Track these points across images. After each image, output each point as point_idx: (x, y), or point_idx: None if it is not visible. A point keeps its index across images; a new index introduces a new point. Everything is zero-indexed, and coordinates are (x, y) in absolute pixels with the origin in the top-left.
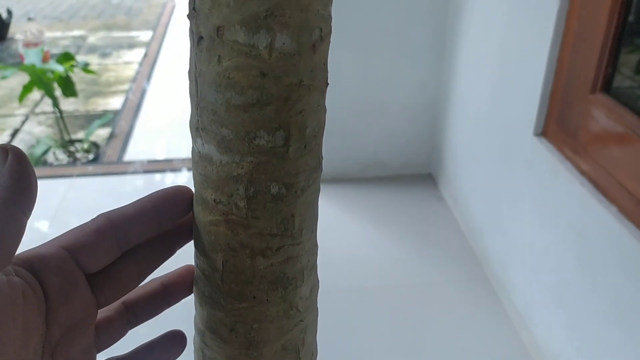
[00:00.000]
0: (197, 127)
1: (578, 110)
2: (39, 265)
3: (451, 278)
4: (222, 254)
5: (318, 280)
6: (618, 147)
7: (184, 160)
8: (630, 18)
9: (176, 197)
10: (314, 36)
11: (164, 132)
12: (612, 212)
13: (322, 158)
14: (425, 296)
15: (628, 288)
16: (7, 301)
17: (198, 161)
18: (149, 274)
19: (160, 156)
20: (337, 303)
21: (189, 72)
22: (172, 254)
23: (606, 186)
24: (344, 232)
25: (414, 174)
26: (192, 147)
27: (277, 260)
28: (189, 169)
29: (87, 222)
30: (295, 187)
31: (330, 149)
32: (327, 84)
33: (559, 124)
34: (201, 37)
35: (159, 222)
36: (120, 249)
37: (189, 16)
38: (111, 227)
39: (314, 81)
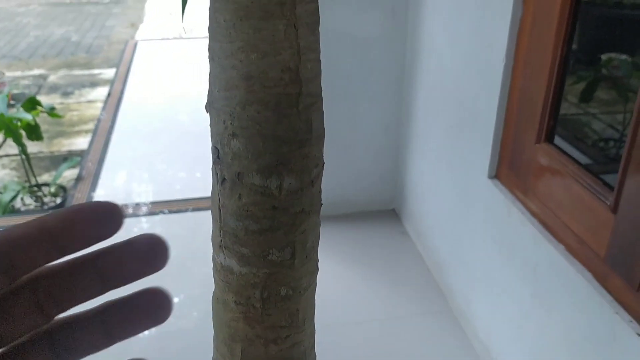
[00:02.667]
0: (220, 245)
1: (526, 157)
2: None
3: (417, 311)
4: (241, 344)
5: (315, 354)
6: (562, 191)
7: (159, 203)
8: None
9: (88, 216)
10: (312, 175)
11: (131, 173)
12: (560, 250)
13: (319, 260)
14: (391, 330)
15: (579, 321)
16: None
17: (220, 270)
18: (59, 313)
19: (129, 199)
20: None
21: (213, 201)
22: (98, 293)
23: (554, 226)
24: None
25: (378, 210)
26: (214, 257)
27: (286, 346)
28: (163, 212)
29: None
30: (299, 288)
31: None
32: (321, 204)
33: (510, 169)
34: (224, 179)
35: (59, 245)
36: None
37: (214, 162)
38: None
39: (312, 207)
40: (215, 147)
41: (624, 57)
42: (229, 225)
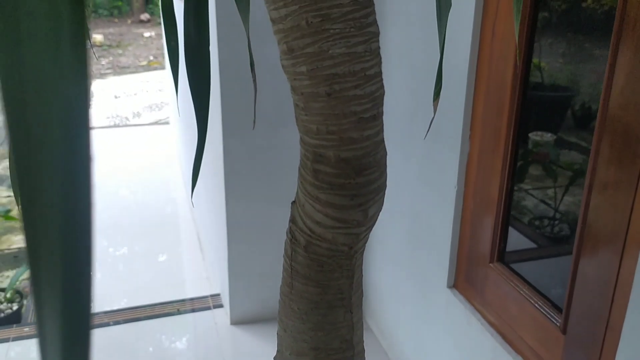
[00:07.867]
0: None
1: (481, 273)
2: None
3: None
4: None
5: None
6: (516, 308)
7: (130, 309)
8: (515, 199)
9: None
10: None
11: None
12: None
13: None
14: None
15: None
16: None
17: None
18: None
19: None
20: None
21: None
22: None
23: (511, 338)
24: None
25: None
26: None
27: None
28: (130, 320)
29: None
30: None
31: (252, 291)
32: None
33: (467, 281)
34: None
35: None
36: None
37: None
38: None
39: None
40: None
41: (549, 134)
42: None
